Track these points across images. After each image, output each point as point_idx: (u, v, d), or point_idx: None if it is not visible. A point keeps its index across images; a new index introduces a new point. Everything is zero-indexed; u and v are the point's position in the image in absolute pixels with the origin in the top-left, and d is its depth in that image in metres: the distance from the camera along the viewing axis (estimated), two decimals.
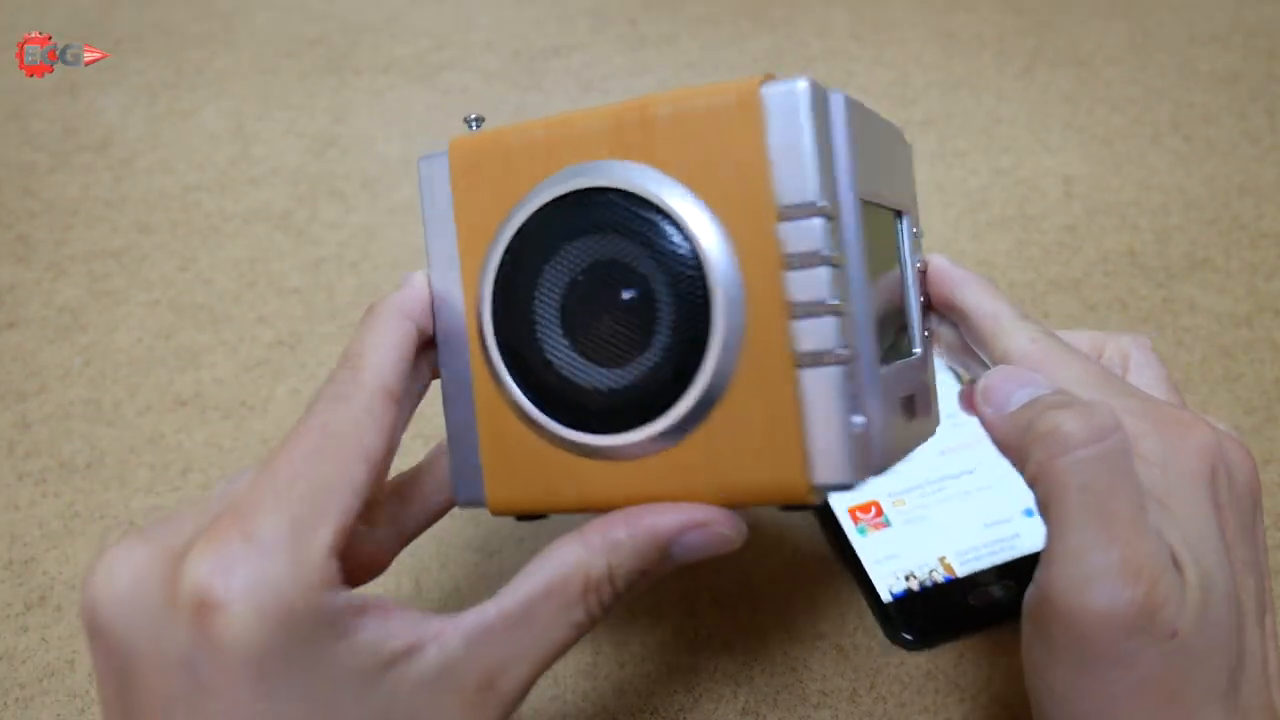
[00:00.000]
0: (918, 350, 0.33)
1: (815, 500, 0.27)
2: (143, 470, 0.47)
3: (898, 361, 0.31)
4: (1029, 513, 0.43)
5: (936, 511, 0.43)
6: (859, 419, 0.27)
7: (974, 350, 0.36)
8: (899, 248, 0.33)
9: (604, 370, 0.28)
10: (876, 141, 0.31)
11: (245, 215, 0.59)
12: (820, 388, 0.26)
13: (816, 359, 0.26)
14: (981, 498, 0.43)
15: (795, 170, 0.26)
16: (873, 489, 0.44)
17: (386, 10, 0.74)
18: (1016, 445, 0.29)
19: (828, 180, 0.27)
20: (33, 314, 0.54)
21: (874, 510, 0.43)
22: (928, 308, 0.35)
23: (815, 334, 0.26)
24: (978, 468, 0.44)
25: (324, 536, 0.25)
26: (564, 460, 0.29)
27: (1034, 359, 0.31)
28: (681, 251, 0.27)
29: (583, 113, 0.29)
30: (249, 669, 0.23)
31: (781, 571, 0.43)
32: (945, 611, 0.40)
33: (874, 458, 0.27)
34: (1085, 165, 0.59)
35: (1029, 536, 0.42)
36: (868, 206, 0.29)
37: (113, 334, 0.53)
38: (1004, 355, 0.31)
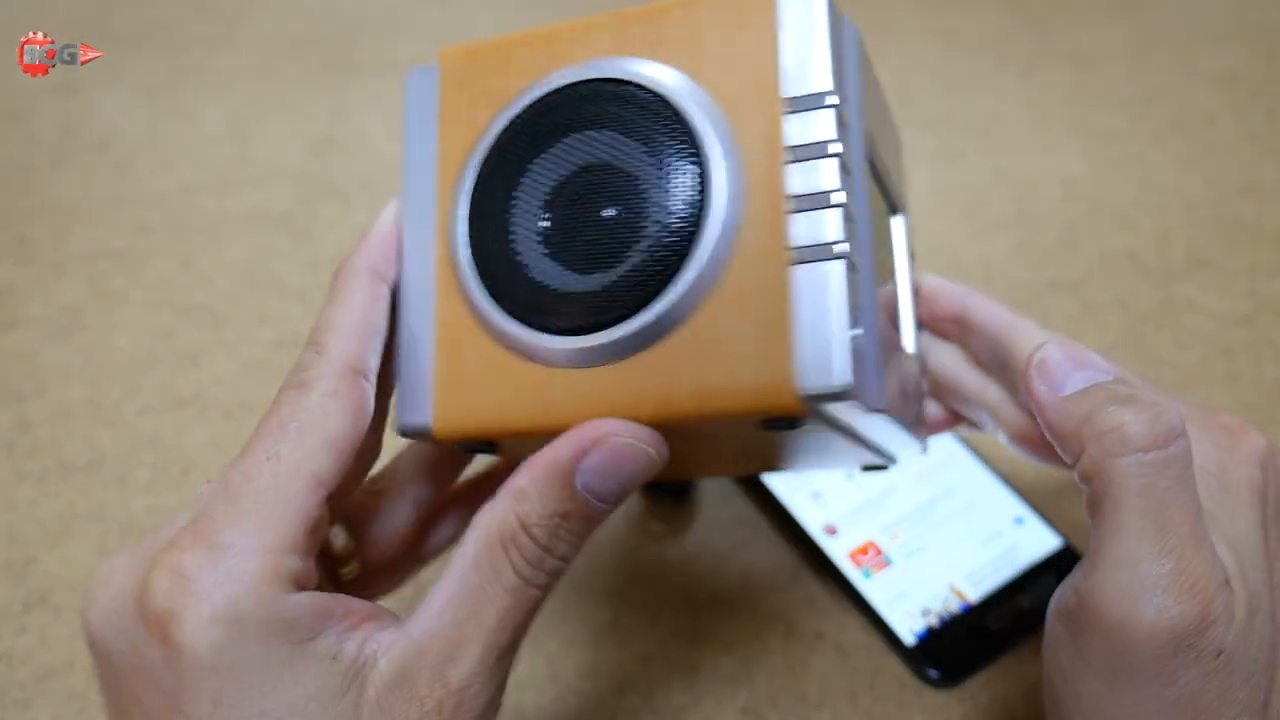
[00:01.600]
0: (912, 350, 0.33)
1: (802, 411, 0.24)
2: (143, 470, 0.47)
3: (895, 353, 0.30)
4: (1019, 520, 0.43)
5: (933, 538, 0.42)
6: (856, 330, 0.24)
7: (976, 369, 0.36)
8: (892, 253, 0.33)
9: (588, 270, 0.26)
10: (878, 95, 0.31)
11: (245, 215, 0.59)
12: (815, 285, 0.24)
13: (814, 253, 0.24)
14: (970, 515, 0.43)
15: (806, 61, 0.25)
16: (866, 527, 0.43)
17: (386, 10, 0.74)
18: (1071, 434, 0.27)
19: (839, 78, 0.26)
20: (33, 314, 0.54)
21: (872, 551, 0.42)
22: (919, 327, 0.34)
23: (814, 227, 0.24)
24: (955, 487, 0.44)
25: (283, 534, 0.24)
26: (530, 373, 0.26)
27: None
28: (677, 137, 0.26)
29: (588, 17, 0.28)
30: (206, 680, 0.23)
31: (782, 571, 0.43)
32: (970, 642, 0.39)
33: (870, 379, 0.25)
34: (1085, 165, 0.59)
35: (1026, 546, 0.42)
36: (869, 170, 0.28)
37: (113, 334, 0.53)
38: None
